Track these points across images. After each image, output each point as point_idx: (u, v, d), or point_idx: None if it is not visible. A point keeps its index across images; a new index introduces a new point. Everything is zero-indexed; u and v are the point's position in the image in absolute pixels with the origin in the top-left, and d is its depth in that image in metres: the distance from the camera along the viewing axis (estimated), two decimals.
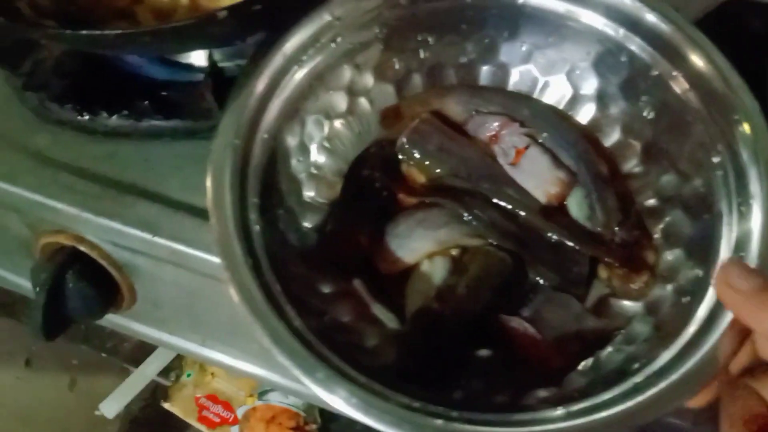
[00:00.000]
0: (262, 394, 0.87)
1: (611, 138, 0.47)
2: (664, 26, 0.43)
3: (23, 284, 0.57)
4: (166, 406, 0.90)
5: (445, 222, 0.44)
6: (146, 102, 0.48)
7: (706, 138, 0.41)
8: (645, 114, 0.45)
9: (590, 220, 0.45)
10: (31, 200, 0.46)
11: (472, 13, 0.47)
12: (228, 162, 0.40)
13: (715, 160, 0.40)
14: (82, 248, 0.47)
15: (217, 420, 0.89)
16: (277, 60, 0.44)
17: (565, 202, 0.46)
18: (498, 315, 0.42)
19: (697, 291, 0.38)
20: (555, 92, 0.49)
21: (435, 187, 0.46)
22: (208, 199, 0.38)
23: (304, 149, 0.46)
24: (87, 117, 0.48)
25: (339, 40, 0.46)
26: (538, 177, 0.46)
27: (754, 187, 0.39)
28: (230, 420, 0.88)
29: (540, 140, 0.47)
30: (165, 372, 0.90)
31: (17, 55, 0.50)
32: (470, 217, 0.44)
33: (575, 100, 0.48)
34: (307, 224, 0.45)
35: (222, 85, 0.45)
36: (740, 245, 0.38)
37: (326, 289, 0.43)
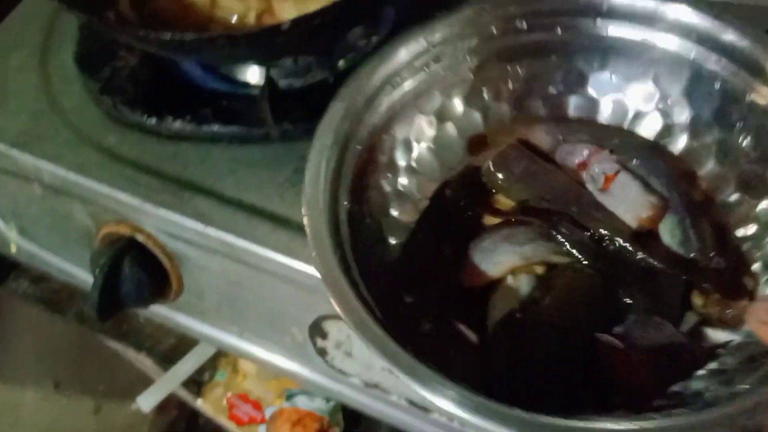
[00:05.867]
0: (289, 397, 0.88)
1: (706, 167, 0.47)
2: (745, 43, 0.44)
3: (78, 274, 0.61)
4: (199, 402, 0.93)
5: (531, 238, 0.44)
6: (208, 109, 0.53)
7: None
8: (740, 141, 0.44)
9: (684, 247, 0.43)
10: (98, 191, 0.51)
11: (562, 45, 0.49)
12: (324, 164, 0.41)
13: None
14: (138, 238, 0.51)
15: (246, 419, 0.91)
16: (373, 79, 0.46)
17: (656, 230, 0.45)
18: (586, 332, 0.40)
19: None
20: (647, 122, 0.49)
21: (521, 209, 0.46)
22: (305, 193, 0.40)
23: (392, 167, 0.47)
24: (154, 120, 0.53)
25: (432, 66, 0.48)
26: (628, 201, 0.45)
27: None
28: (258, 419, 0.90)
29: (630, 167, 0.47)
30: (199, 372, 0.93)
31: (97, 63, 0.55)
32: (558, 235, 0.43)
33: (668, 129, 0.48)
34: (392, 240, 0.45)
35: (276, 98, 0.51)
36: None
37: (408, 299, 0.42)
